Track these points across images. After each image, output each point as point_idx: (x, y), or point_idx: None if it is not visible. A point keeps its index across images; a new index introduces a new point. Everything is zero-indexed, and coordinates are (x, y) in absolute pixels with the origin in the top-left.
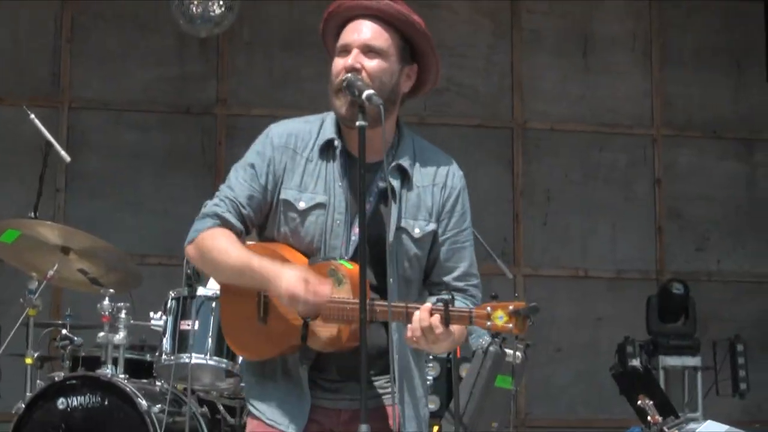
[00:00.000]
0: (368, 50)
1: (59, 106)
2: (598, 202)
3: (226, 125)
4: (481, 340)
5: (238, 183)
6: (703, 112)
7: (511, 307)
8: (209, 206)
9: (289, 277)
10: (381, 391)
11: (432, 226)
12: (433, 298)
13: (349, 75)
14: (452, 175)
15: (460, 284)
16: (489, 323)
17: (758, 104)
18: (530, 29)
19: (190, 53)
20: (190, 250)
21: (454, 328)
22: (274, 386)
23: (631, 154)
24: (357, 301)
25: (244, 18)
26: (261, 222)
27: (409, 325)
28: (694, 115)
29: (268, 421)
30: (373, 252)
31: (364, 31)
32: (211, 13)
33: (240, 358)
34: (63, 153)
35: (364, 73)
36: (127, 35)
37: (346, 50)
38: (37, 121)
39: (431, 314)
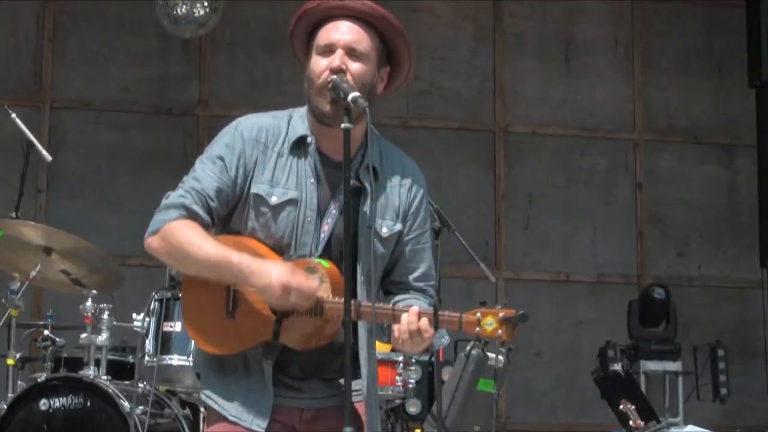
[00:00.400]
0: (352, 53)
1: (41, 105)
2: (580, 206)
3: (207, 126)
4: (442, 340)
5: (206, 175)
6: (684, 117)
7: (501, 314)
8: (174, 197)
9: (278, 269)
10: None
11: (398, 227)
12: (399, 298)
13: (335, 77)
14: (417, 177)
15: (419, 284)
16: (478, 329)
17: (739, 109)
18: (512, 33)
19: (172, 54)
20: (153, 241)
21: None
22: (236, 382)
23: (612, 159)
24: (341, 300)
25: (225, 19)
26: (226, 214)
27: (395, 326)
28: (676, 119)
29: (230, 417)
30: (342, 250)
31: (348, 32)
32: (196, 14)
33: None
34: (44, 152)
35: (348, 75)
36: (109, 35)
37: (329, 50)
38: (18, 121)
39: (419, 317)
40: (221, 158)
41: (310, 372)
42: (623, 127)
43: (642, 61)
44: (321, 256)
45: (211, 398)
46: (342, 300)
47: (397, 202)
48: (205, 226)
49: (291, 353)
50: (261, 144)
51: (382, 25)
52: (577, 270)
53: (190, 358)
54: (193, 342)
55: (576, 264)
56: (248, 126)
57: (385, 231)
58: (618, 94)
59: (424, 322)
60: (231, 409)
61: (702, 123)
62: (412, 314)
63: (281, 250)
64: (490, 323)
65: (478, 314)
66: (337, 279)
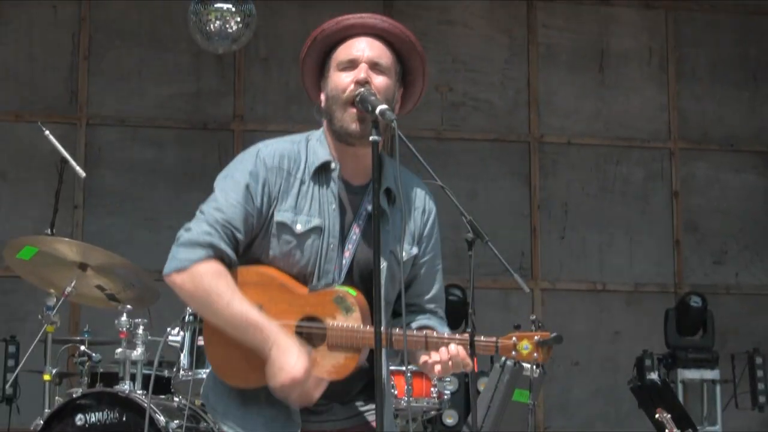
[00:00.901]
0: (375, 67)
1: (77, 122)
2: (615, 216)
3: (242, 141)
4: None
5: (230, 205)
6: (719, 126)
7: (536, 338)
8: (198, 233)
9: (299, 361)
10: (362, 409)
11: (415, 250)
12: (418, 320)
13: (363, 89)
14: (428, 198)
15: (431, 306)
16: (515, 353)
17: None
18: (546, 44)
19: (206, 69)
20: (177, 279)
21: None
22: (258, 412)
23: (647, 168)
24: (370, 329)
25: (259, 34)
26: (246, 244)
27: (430, 354)
28: (711, 128)
29: None
30: (363, 276)
31: (369, 47)
32: (229, 30)
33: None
34: (78, 169)
35: (374, 89)
36: (143, 52)
37: (352, 65)
38: (51, 137)
39: (457, 348)
40: (246, 186)
41: (332, 397)
42: (658, 137)
43: (676, 70)
44: (343, 283)
45: (233, 429)
46: (370, 329)
47: (412, 225)
48: (231, 265)
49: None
50: (284, 171)
51: (400, 43)
52: (614, 279)
53: None
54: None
55: (612, 274)
56: (270, 153)
57: (404, 255)
58: (653, 103)
59: (462, 351)
60: None
61: (738, 131)
62: (453, 347)
63: (304, 278)
64: (525, 347)
65: (514, 338)
66: (364, 306)
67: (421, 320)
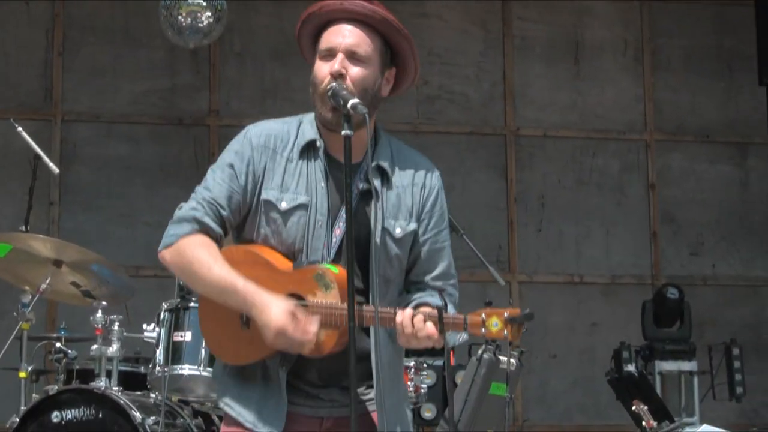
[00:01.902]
0: (352, 56)
1: (52, 119)
2: (592, 208)
3: (218, 135)
4: (458, 337)
5: (216, 184)
6: (695, 117)
7: (506, 314)
8: (186, 209)
9: (278, 310)
10: (365, 397)
11: (413, 226)
12: (414, 296)
13: (334, 84)
14: (431, 175)
15: (438, 283)
16: (483, 330)
17: (750, 108)
18: (521, 36)
19: (181, 65)
20: (166, 255)
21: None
22: (253, 389)
23: (623, 160)
24: (345, 306)
25: (234, 29)
26: (238, 223)
27: (399, 328)
28: (687, 119)
29: (247, 425)
30: (356, 253)
31: (348, 36)
32: (200, 24)
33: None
34: (51, 165)
35: (348, 81)
36: (117, 48)
37: (330, 54)
38: (24, 134)
39: (425, 321)
40: (231, 165)
41: (328, 379)
42: (634, 128)
43: (651, 61)
44: (333, 261)
45: (229, 405)
46: (344, 305)
47: (410, 201)
48: (218, 239)
49: (308, 361)
50: (270, 150)
51: (383, 26)
52: (591, 272)
53: (201, 368)
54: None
55: (589, 266)
56: (257, 132)
57: (398, 231)
58: (628, 95)
59: (430, 325)
60: (248, 416)
61: (713, 122)
62: (418, 321)
63: (293, 255)
64: (495, 324)
65: (483, 315)
66: (344, 283)
67: (424, 297)
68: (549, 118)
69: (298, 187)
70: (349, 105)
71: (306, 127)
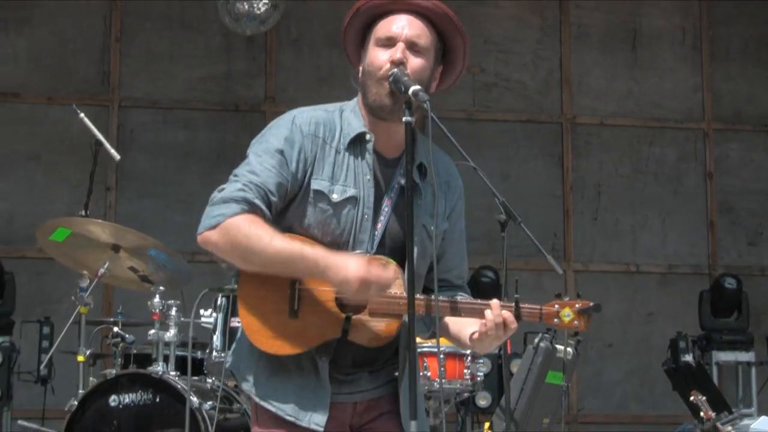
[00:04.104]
0: (412, 47)
1: (109, 104)
2: (649, 197)
3: None
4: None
5: (265, 169)
6: (753, 106)
7: (578, 306)
8: (232, 191)
9: (355, 262)
10: (391, 378)
11: (445, 224)
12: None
13: (396, 70)
14: (456, 175)
15: (459, 281)
16: (557, 320)
17: None
18: (578, 24)
19: (237, 51)
20: (212, 236)
21: None
22: (289, 381)
23: (681, 149)
24: (404, 295)
25: (290, 15)
26: (280, 211)
27: (480, 321)
28: (744, 108)
29: (288, 418)
30: (393, 248)
31: (409, 26)
32: (257, 11)
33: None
34: (113, 151)
35: (408, 69)
36: (174, 34)
37: (390, 43)
38: (86, 120)
39: (502, 310)
40: (280, 152)
41: (361, 364)
42: (691, 117)
43: (709, 50)
44: (375, 254)
45: (264, 400)
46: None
47: (443, 200)
48: (267, 221)
49: (345, 349)
50: (319, 139)
51: (443, 22)
52: (647, 261)
53: None
54: (237, 342)
55: (646, 255)
56: (306, 120)
57: (434, 229)
58: (685, 84)
59: (508, 314)
60: (287, 409)
61: None
62: (495, 308)
63: (338, 247)
64: (567, 314)
65: (556, 306)
66: (399, 276)
67: (460, 295)
68: (606, 107)
69: (347, 179)
70: (410, 91)
71: (350, 116)
